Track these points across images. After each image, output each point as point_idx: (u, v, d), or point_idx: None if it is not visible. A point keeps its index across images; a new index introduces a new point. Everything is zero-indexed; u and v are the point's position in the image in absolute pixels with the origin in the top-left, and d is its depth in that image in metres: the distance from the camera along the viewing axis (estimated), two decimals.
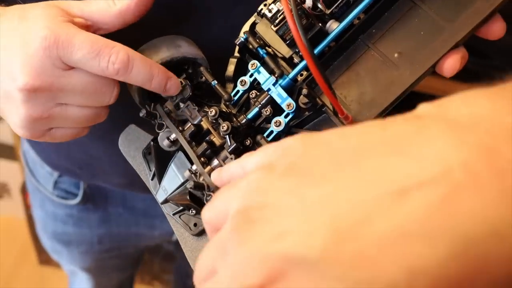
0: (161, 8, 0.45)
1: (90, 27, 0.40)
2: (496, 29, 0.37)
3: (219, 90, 0.43)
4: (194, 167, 0.40)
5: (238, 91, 0.43)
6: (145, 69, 0.39)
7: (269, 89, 0.40)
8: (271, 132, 0.41)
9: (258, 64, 0.42)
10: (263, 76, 0.41)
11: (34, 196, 0.83)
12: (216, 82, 0.44)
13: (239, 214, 0.24)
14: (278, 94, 0.40)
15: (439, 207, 0.20)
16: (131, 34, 0.42)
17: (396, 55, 0.40)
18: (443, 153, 0.21)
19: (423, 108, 0.25)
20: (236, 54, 0.45)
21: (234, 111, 0.44)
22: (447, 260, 0.19)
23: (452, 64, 0.36)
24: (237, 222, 0.24)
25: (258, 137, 0.41)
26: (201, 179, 0.39)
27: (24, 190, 1.42)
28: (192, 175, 0.39)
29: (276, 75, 0.40)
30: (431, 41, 0.38)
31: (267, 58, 0.41)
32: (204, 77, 0.45)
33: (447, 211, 0.20)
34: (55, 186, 0.77)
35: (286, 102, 0.40)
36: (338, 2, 0.41)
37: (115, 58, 0.37)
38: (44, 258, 1.55)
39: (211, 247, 0.26)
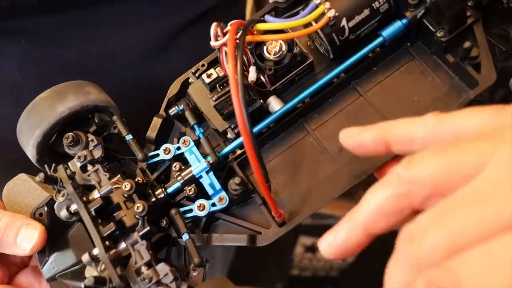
0: None
1: None
2: None
3: (133, 148, 0.38)
4: (95, 251, 0.33)
5: (158, 154, 0.38)
6: None
7: (200, 177, 0.36)
8: (190, 210, 0.37)
9: (192, 143, 0.37)
10: (195, 160, 0.36)
11: None
12: (131, 137, 0.38)
13: None
14: (211, 183, 0.35)
15: None
16: None
17: (335, 148, 0.37)
18: None
19: None
20: (162, 112, 0.40)
21: (151, 178, 0.38)
22: None
23: None
24: None
25: (173, 211, 0.36)
26: (102, 267, 0.33)
27: None
28: (92, 261, 0.33)
29: (211, 162, 0.36)
30: None
31: (203, 140, 0.36)
32: (117, 129, 0.39)
33: None
34: None
35: (219, 195, 0.35)
36: (283, 80, 0.38)
37: None
38: None
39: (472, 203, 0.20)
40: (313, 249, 1.53)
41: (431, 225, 0.21)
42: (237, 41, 0.34)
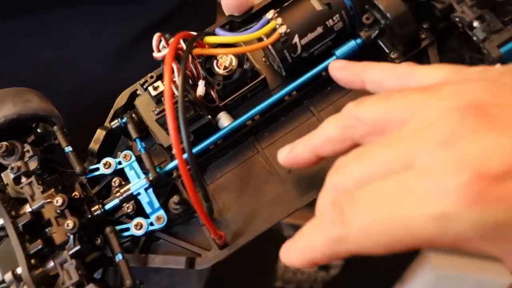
0: None
1: None
2: None
3: (72, 160, 0.36)
4: (20, 269, 0.31)
5: (98, 168, 0.36)
6: None
7: (138, 194, 0.34)
8: (128, 229, 0.35)
9: (133, 158, 0.35)
10: (134, 176, 0.34)
11: None
12: (70, 149, 0.36)
13: (473, 110, 0.21)
14: (149, 202, 0.34)
15: None
16: None
17: (284, 169, 0.35)
18: None
19: None
20: (107, 124, 0.38)
21: (91, 193, 0.37)
22: None
23: None
24: (474, 116, 0.21)
25: (107, 229, 0.34)
26: None
27: None
28: (15, 280, 0.31)
29: (150, 179, 0.34)
30: (324, 164, 0.34)
31: (144, 156, 0.35)
32: (57, 140, 0.37)
33: None
34: None
35: (156, 214, 0.34)
36: (233, 96, 0.36)
37: None
38: None
39: (414, 135, 0.22)
40: None
41: (353, 159, 0.24)
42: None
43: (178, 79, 0.30)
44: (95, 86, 0.52)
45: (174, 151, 0.36)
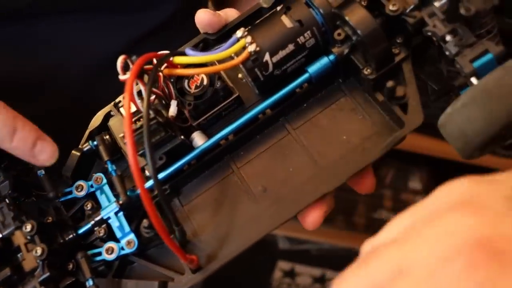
0: None
1: None
2: (366, 185, 0.34)
3: (44, 183, 0.35)
4: None
5: (71, 191, 0.36)
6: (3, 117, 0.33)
7: (109, 218, 0.33)
8: (100, 253, 0.34)
9: (104, 180, 0.35)
10: (105, 199, 0.34)
11: None
12: (43, 172, 0.36)
13: (481, 246, 0.19)
14: (119, 226, 0.33)
15: None
16: None
17: (260, 188, 0.35)
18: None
19: None
20: (82, 145, 0.38)
21: (66, 216, 0.36)
22: None
23: (314, 218, 0.32)
24: (483, 254, 0.19)
25: (79, 254, 0.34)
26: None
27: None
28: None
29: (120, 202, 0.33)
30: (298, 183, 0.34)
31: (115, 179, 0.34)
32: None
33: None
34: None
35: (127, 238, 0.33)
36: (206, 116, 0.36)
37: None
38: None
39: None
40: (291, 274, 1.50)
41: None
42: (160, 73, 0.33)
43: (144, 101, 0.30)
44: (78, 99, 0.51)
45: (146, 172, 0.35)
